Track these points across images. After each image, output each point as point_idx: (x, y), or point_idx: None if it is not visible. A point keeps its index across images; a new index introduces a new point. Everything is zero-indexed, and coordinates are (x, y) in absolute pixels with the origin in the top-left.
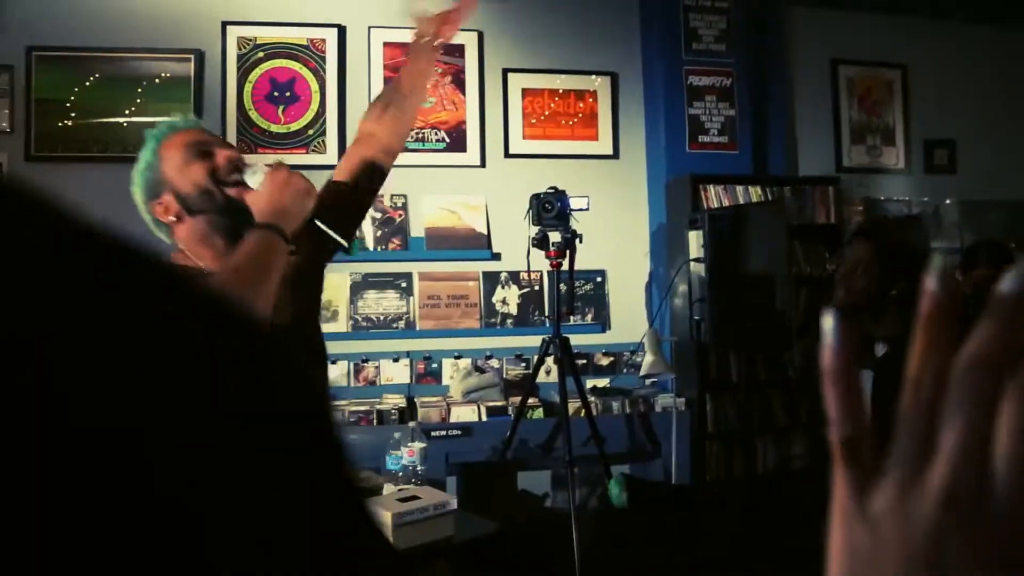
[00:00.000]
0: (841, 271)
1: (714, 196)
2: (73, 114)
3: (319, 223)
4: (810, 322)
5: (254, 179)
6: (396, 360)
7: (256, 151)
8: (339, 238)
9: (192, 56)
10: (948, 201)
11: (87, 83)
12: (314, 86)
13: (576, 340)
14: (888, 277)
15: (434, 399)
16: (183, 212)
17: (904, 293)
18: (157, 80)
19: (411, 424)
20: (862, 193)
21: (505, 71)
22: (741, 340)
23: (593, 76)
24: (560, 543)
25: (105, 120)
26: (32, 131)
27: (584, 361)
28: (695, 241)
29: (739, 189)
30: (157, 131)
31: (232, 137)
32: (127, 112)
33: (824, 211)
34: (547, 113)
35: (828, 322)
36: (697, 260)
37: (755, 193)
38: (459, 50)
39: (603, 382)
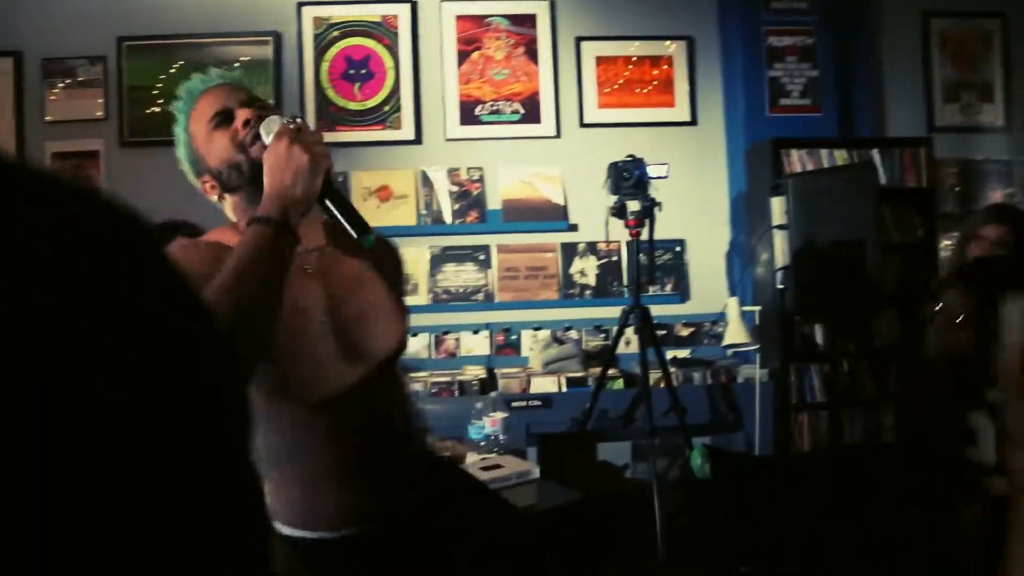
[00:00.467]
0: (937, 323)
1: (797, 161)
2: (161, 100)
3: (329, 205)
4: (900, 290)
5: (268, 128)
6: (476, 332)
7: (335, 129)
8: (348, 226)
9: (270, 38)
10: None
11: (172, 69)
12: (388, 62)
13: (656, 311)
14: (994, 330)
15: (514, 370)
16: (222, 187)
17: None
18: (237, 64)
19: (492, 395)
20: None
21: (578, 39)
22: (827, 309)
23: (668, 41)
24: (641, 513)
25: None
26: (125, 118)
27: (664, 332)
28: (778, 208)
29: (823, 153)
30: (182, 103)
31: (311, 116)
32: None
33: (915, 174)
34: (621, 81)
35: (1013, 312)
36: (780, 227)
37: (840, 156)
38: (531, 20)
39: (683, 353)
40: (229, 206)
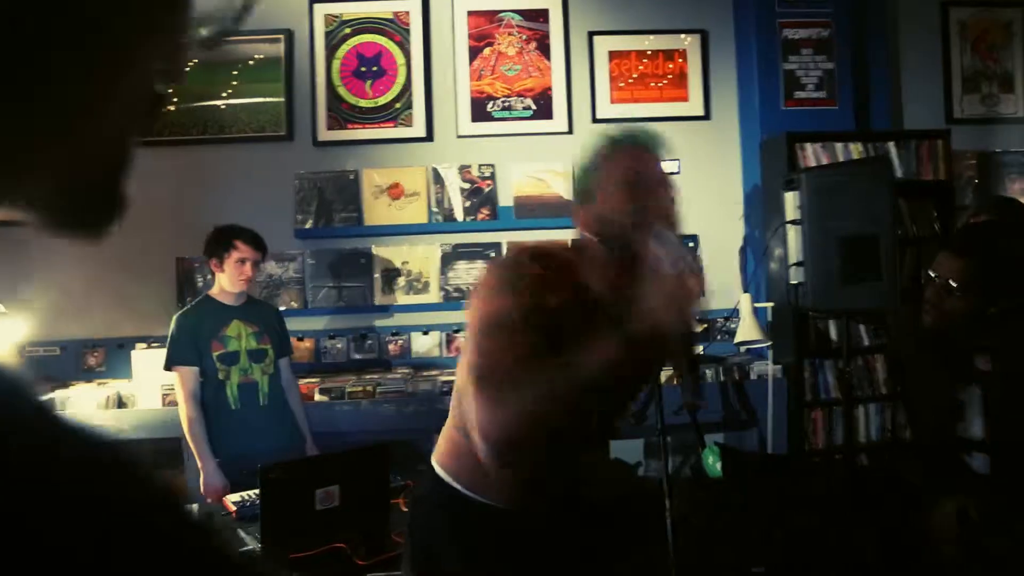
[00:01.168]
0: (931, 290)
1: (812, 155)
2: (175, 99)
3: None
4: (916, 285)
5: (660, 252)
6: None
7: (346, 127)
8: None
9: (282, 36)
10: None
11: (186, 69)
12: (400, 59)
13: None
14: (987, 297)
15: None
16: (594, 232)
17: (1007, 310)
18: (251, 62)
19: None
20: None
21: (591, 34)
22: (841, 305)
23: (682, 35)
24: (653, 512)
25: (204, 104)
26: None
27: None
28: (792, 202)
29: (839, 146)
30: (613, 137)
31: (322, 114)
32: (224, 95)
33: (932, 166)
34: (635, 76)
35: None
36: (794, 222)
37: (856, 150)
38: (543, 15)
39: (696, 349)
40: (588, 240)
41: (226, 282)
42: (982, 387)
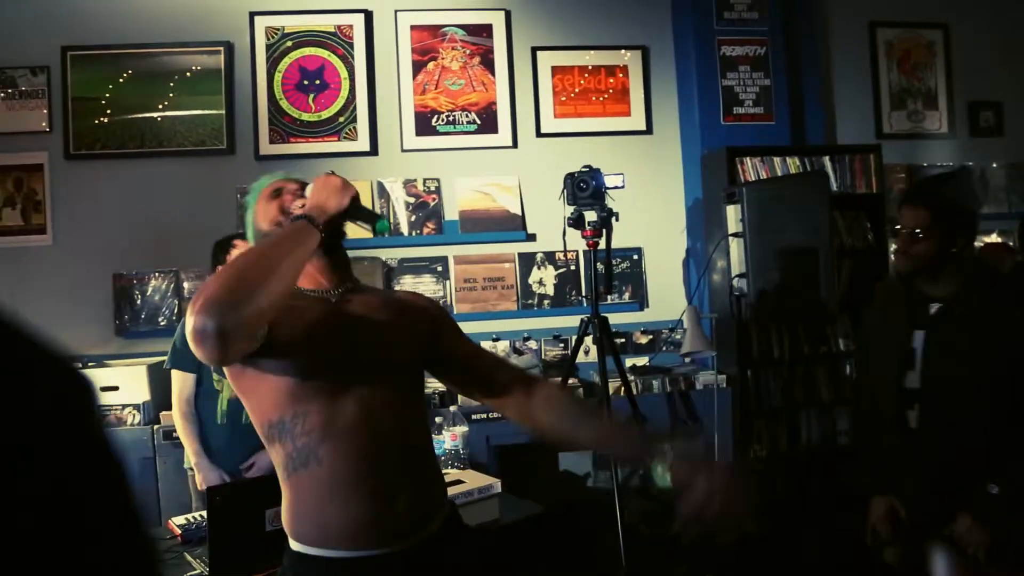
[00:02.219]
0: (900, 237)
1: (751, 168)
2: (109, 111)
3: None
4: (853, 294)
5: (309, 192)
6: None
7: (288, 140)
8: (367, 224)
9: (222, 48)
10: (995, 165)
11: (121, 80)
12: (343, 73)
13: (614, 319)
14: (947, 238)
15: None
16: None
17: (961, 251)
18: (188, 74)
19: (452, 408)
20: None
21: (534, 49)
22: (783, 315)
23: (623, 51)
24: (604, 523)
25: (140, 116)
26: (71, 130)
27: (623, 340)
28: (733, 215)
29: (776, 160)
30: (251, 194)
31: (264, 127)
32: (160, 107)
33: (865, 180)
34: (577, 90)
35: (939, 563)
36: (735, 235)
37: (793, 164)
38: (487, 30)
39: (642, 361)
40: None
41: None
42: (926, 331)
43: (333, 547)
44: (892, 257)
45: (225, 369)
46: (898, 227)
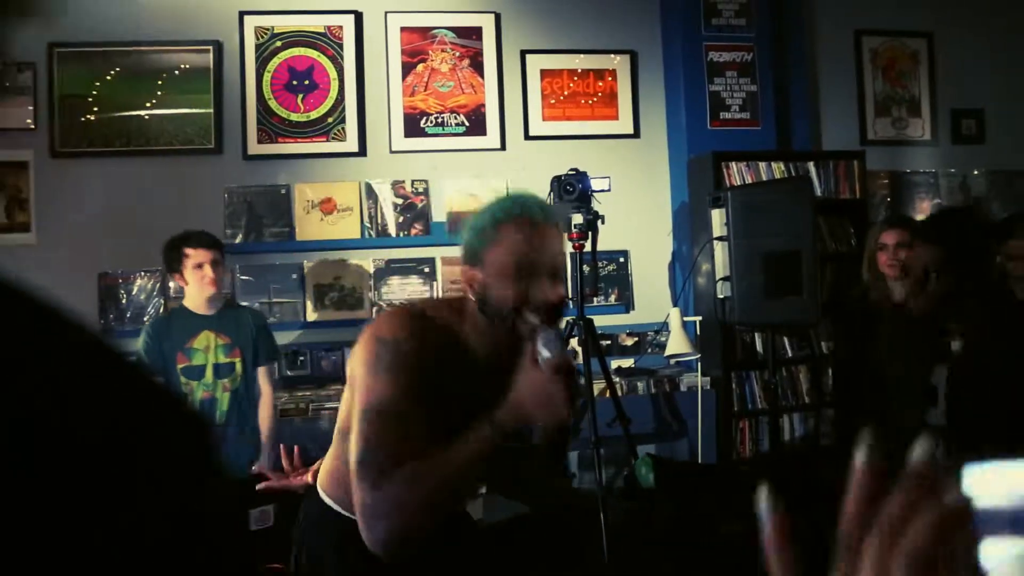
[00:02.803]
0: (912, 278)
1: (737, 173)
2: (96, 109)
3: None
4: (837, 298)
5: (542, 348)
6: None
7: (277, 140)
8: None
9: (211, 47)
10: (976, 172)
11: (108, 77)
12: (332, 73)
13: (600, 321)
14: (962, 276)
15: None
16: (476, 297)
17: (978, 286)
18: (176, 72)
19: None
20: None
21: (523, 52)
22: (766, 318)
23: (612, 55)
24: (588, 524)
25: (127, 114)
26: (56, 127)
27: (608, 342)
28: (718, 219)
29: (762, 165)
30: (511, 204)
31: (252, 127)
32: (148, 105)
33: (848, 185)
34: (566, 94)
35: (762, 500)
36: (720, 238)
37: (778, 169)
38: (476, 33)
39: (628, 362)
40: (470, 304)
41: (194, 291)
42: (949, 367)
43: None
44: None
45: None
46: (898, 250)
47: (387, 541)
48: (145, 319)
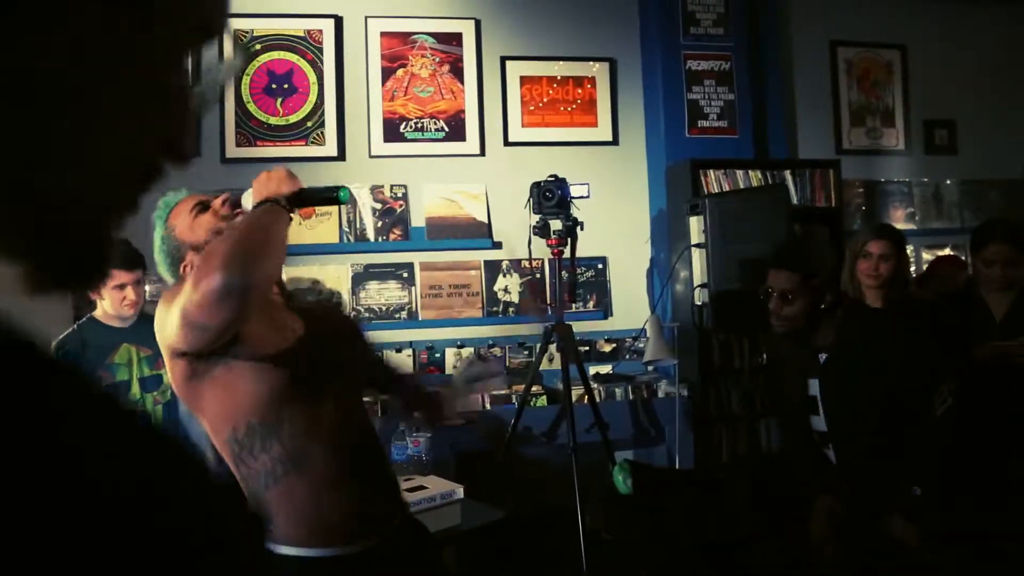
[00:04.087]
0: (772, 302)
1: (714, 181)
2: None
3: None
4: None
5: (247, 198)
6: (399, 351)
7: (255, 144)
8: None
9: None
10: (948, 181)
11: None
12: (312, 77)
13: (578, 327)
14: (816, 296)
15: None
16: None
17: (831, 304)
18: None
19: (415, 414)
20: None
21: (503, 59)
22: (743, 325)
23: (591, 62)
24: (566, 529)
25: None
26: None
27: (586, 348)
28: (696, 226)
29: (739, 173)
30: (158, 212)
31: (231, 130)
32: None
33: (824, 194)
34: (546, 100)
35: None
36: (698, 245)
37: (755, 177)
38: (456, 39)
39: (606, 369)
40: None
41: (108, 304)
42: (820, 380)
43: (322, 546)
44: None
45: (180, 371)
46: (770, 289)
47: (224, 263)
48: None
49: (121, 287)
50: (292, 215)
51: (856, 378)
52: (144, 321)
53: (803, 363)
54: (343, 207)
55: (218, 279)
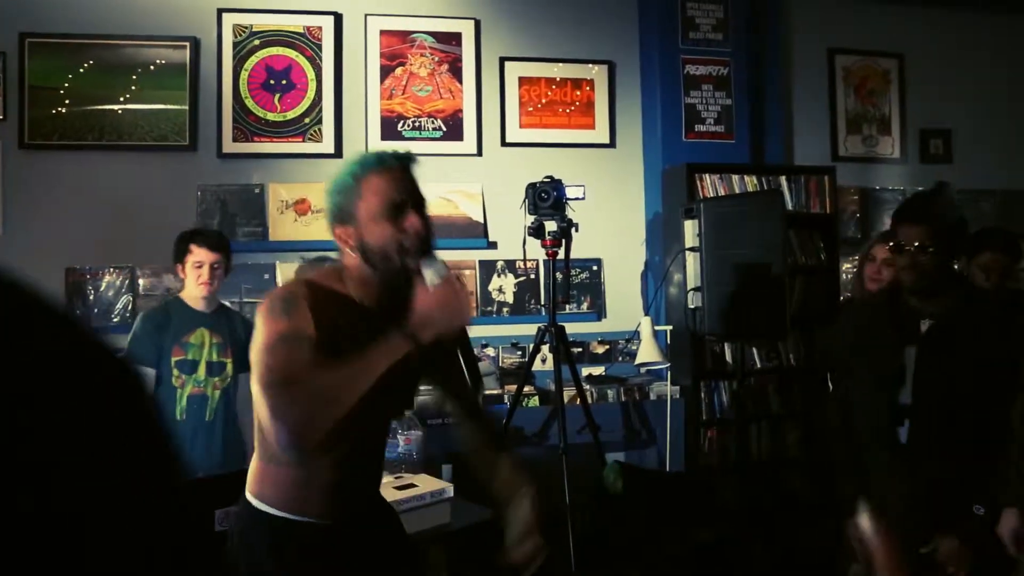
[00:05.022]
0: (905, 257)
1: (710, 185)
2: (67, 101)
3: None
4: (804, 311)
5: (428, 274)
6: None
7: (252, 139)
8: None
9: (188, 43)
10: None
11: (81, 70)
12: (310, 74)
13: (571, 328)
14: (949, 253)
15: (431, 387)
16: (358, 252)
17: (959, 267)
18: (152, 67)
19: (407, 413)
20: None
21: (502, 59)
22: (736, 329)
23: (590, 65)
24: (555, 529)
25: (100, 107)
26: (26, 118)
27: (579, 349)
28: (691, 230)
29: (735, 178)
30: (360, 162)
31: (228, 125)
32: (122, 99)
33: (819, 200)
34: (544, 102)
35: (864, 520)
36: (692, 249)
37: (751, 182)
38: (456, 38)
39: (598, 370)
40: (353, 260)
41: (191, 286)
42: (918, 347)
43: (302, 514)
44: (845, 276)
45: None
46: (901, 243)
47: (291, 433)
48: (114, 316)
49: (199, 265)
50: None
51: (961, 354)
52: (222, 311)
53: (903, 326)
54: None
55: (288, 442)
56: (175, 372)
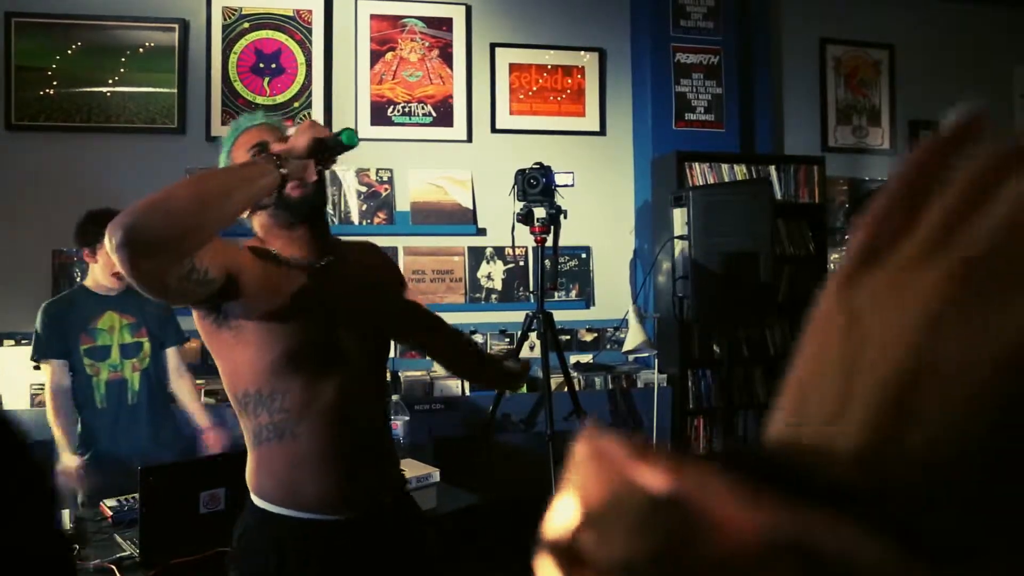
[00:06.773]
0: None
1: (699, 174)
2: (55, 83)
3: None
4: (791, 300)
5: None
6: None
7: None
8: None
9: (176, 25)
10: None
11: (69, 51)
12: (300, 58)
13: (560, 316)
14: None
15: (418, 373)
16: (261, 209)
17: None
18: (141, 49)
19: (395, 397)
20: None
21: (493, 46)
22: (724, 317)
23: (581, 52)
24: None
25: (88, 89)
26: (12, 100)
27: (568, 337)
28: (679, 218)
29: (724, 167)
30: (228, 134)
31: (216, 108)
32: (110, 81)
33: (808, 190)
34: (534, 89)
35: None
36: (681, 237)
37: (740, 171)
38: (447, 24)
39: (586, 358)
40: (256, 221)
41: (100, 273)
42: None
43: (295, 509)
44: (833, 266)
45: (199, 324)
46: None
47: (126, 213)
48: None
49: None
50: (284, 172)
51: None
52: (130, 291)
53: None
54: (328, 190)
55: (116, 223)
56: (86, 360)
